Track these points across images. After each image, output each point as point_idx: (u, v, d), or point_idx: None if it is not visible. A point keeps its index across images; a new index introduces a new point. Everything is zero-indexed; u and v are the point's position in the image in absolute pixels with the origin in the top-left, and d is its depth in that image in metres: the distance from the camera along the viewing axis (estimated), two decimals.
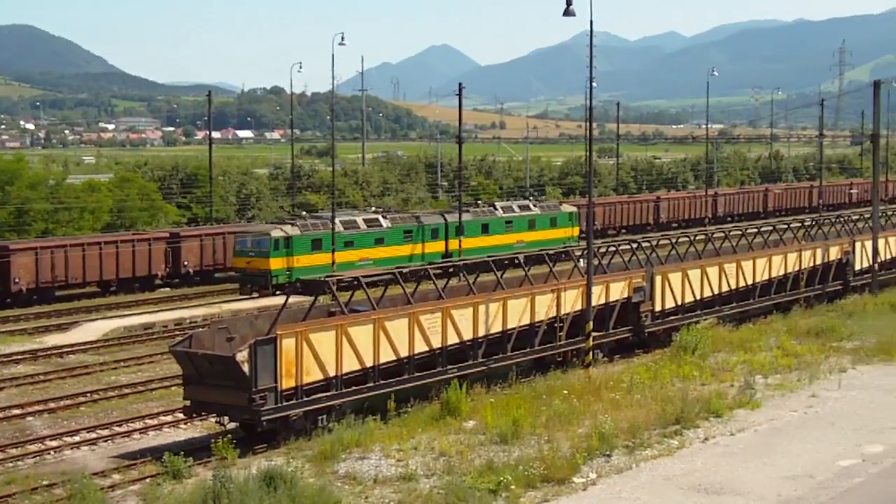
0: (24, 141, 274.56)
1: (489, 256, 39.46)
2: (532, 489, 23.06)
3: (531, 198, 78.87)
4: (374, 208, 70.86)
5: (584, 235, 70.64)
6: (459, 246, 63.44)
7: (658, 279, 39.77)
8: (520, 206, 71.14)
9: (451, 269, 39.25)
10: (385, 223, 61.62)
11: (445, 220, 64.92)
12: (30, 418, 32.68)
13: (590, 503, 22.51)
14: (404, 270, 35.36)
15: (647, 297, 39.20)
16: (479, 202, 74.15)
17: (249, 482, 22.13)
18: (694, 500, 22.66)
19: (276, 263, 55.55)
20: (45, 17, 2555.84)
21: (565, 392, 30.68)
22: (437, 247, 63.81)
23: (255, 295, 51.92)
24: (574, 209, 74.44)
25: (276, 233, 56.54)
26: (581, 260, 38.48)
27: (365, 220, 61.03)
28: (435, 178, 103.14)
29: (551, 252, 41.50)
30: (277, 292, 34.21)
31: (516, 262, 39.16)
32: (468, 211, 66.86)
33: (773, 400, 30.89)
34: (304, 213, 66.01)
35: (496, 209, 69.54)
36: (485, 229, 67.04)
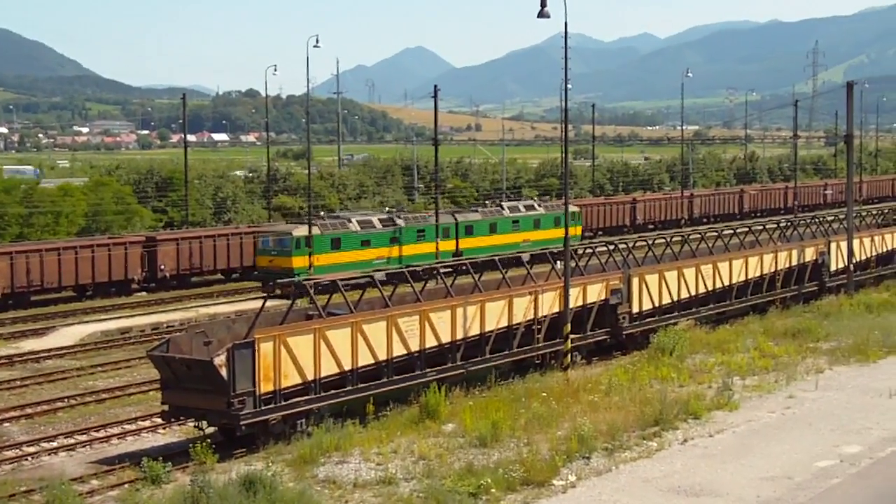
0: None
1: (491, 255, 39.85)
2: (512, 492, 23.09)
3: (535, 198, 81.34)
4: (387, 209, 72.84)
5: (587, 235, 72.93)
6: (457, 246, 65.65)
7: (635, 281, 39.86)
8: (525, 206, 73.08)
9: (461, 267, 40.02)
10: (399, 223, 63.33)
11: (456, 220, 67.16)
12: (6, 424, 32.46)
13: None
14: (418, 269, 36.27)
15: (624, 299, 39.29)
16: (487, 202, 76.04)
17: (229, 487, 22.09)
18: (673, 502, 22.74)
19: (298, 262, 57.22)
20: (19, 20, 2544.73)
21: (544, 394, 30.73)
22: (448, 245, 65.71)
23: (277, 292, 51.87)
24: (577, 209, 76.79)
25: (298, 232, 58.10)
26: (558, 262, 38.55)
27: (380, 220, 62.81)
28: (411, 180, 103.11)
29: (555, 250, 42.58)
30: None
31: (522, 260, 40.10)
32: (477, 211, 69.82)
33: (750, 401, 31.01)
34: (322, 213, 67.62)
35: (503, 209, 71.09)
36: (493, 229, 68.88)
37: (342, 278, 32.88)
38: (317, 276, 40.33)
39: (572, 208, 74.25)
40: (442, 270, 36.06)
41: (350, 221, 61.24)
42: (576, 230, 73.45)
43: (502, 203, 73.14)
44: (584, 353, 38.07)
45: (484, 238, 67.57)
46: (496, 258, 39.47)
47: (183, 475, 25.70)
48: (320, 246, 58.21)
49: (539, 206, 73.90)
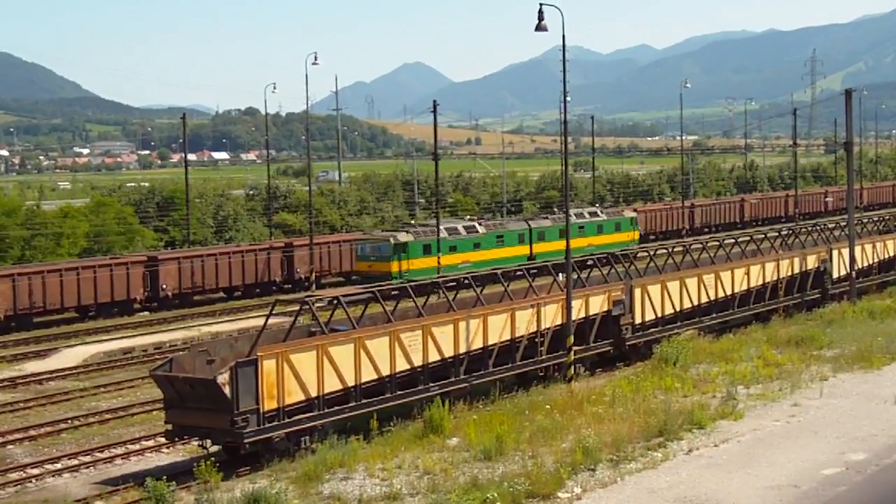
0: None
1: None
2: None
3: (597, 204, 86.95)
4: (468, 217, 76.87)
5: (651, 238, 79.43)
6: (531, 251, 69.82)
7: (637, 292, 39.83)
8: (589, 213, 77.29)
9: (535, 270, 42.87)
10: (481, 230, 68.01)
11: (529, 226, 71.65)
12: (10, 446, 32.43)
13: None
14: (500, 271, 38.32)
15: (626, 310, 39.26)
16: (556, 210, 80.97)
17: None
18: None
19: (396, 266, 61.79)
20: (18, 43, 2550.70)
21: (548, 407, 30.66)
22: (522, 250, 69.77)
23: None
24: (634, 214, 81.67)
25: (395, 239, 62.82)
26: (560, 274, 38.53)
27: (465, 227, 67.69)
28: (412, 195, 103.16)
29: (618, 253, 45.18)
30: (394, 291, 37.33)
31: (589, 263, 42.11)
32: (547, 218, 75.11)
33: (755, 410, 30.92)
34: (412, 221, 72.12)
35: (571, 216, 71.08)
36: (562, 234, 70.13)
37: (344, 294, 32.86)
38: (415, 278, 42.51)
39: (629, 214, 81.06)
40: (517, 273, 37.28)
41: (440, 229, 65.34)
42: (633, 234, 78.76)
43: (569, 211, 74.01)
44: (587, 365, 38.04)
45: (554, 243, 70.77)
46: (498, 271, 39.50)
47: (188, 495, 25.66)
48: (414, 251, 62.89)
49: (601, 212, 78.42)
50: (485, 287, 39.97)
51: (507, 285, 37.41)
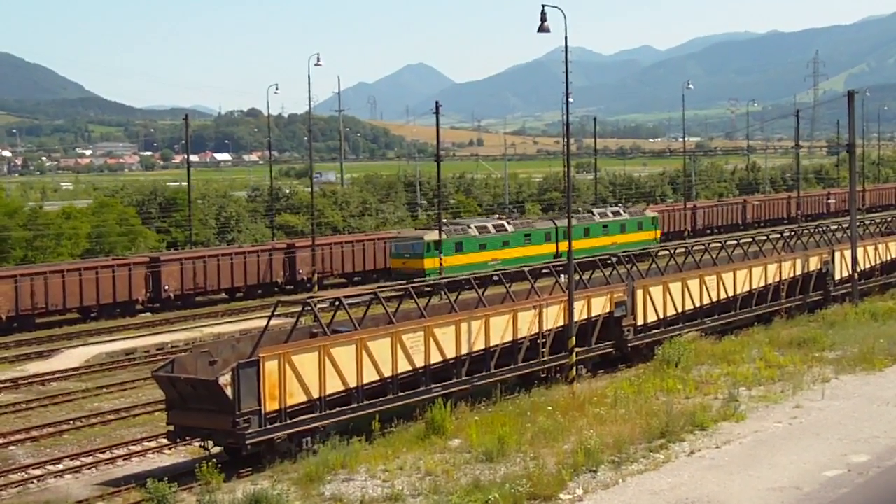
0: (0, 169, 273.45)
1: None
2: None
3: (620, 204, 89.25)
4: (497, 216, 77.85)
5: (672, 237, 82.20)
6: (557, 249, 71.23)
7: (639, 293, 39.82)
8: (612, 212, 79.34)
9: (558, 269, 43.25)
10: (509, 228, 69.90)
11: (556, 225, 73.09)
12: (12, 447, 32.44)
13: None
14: (527, 269, 38.66)
15: (628, 312, 39.24)
16: (580, 209, 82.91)
17: None
18: None
19: (429, 263, 63.37)
20: (21, 44, 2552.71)
21: (550, 408, 30.66)
22: (549, 248, 71.74)
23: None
24: (656, 214, 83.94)
25: (429, 237, 64.56)
26: (562, 275, 38.52)
27: (494, 226, 69.50)
28: (414, 196, 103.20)
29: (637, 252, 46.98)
30: (427, 288, 38.61)
31: (611, 261, 42.78)
32: (574, 216, 72.41)
33: (757, 412, 30.92)
34: (445, 220, 72.66)
35: (594, 215, 77.52)
36: (586, 233, 74.73)
37: (346, 295, 32.87)
38: (447, 275, 43.30)
39: (651, 214, 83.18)
40: (543, 272, 38.06)
41: (469, 227, 68.23)
42: (655, 234, 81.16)
43: (593, 209, 79.87)
44: (589, 367, 38.04)
45: (579, 241, 71.23)
46: (500, 273, 39.51)
47: (189, 496, 25.67)
48: (447, 249, 64.65)
49: (624, 212, 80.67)
50: (487, 288, 39.93)
51: (509, 286, 37.42)
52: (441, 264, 63.11)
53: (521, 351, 35.00)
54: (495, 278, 38.74)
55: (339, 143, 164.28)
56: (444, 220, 71.32)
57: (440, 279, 37.57)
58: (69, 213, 73.47)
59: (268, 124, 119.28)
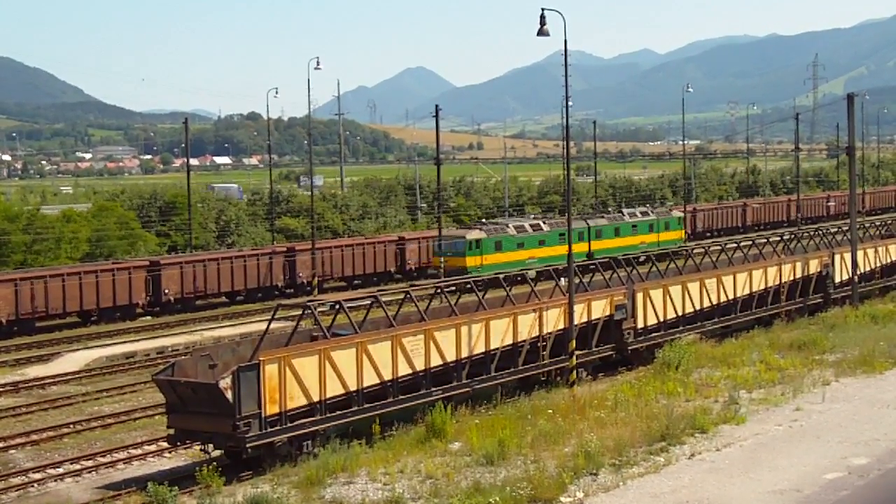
0: (0, 172, 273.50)
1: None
2: None
3: (647, 204, 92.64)
4: (532, 216, 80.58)
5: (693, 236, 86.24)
6: (589, 248, 73.78)
7: (640, 296, 39.82)
8: (641, 213, 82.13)
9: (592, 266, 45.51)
10: (545, 228, 72.17)
11: (588, 225, 75.90)
12: (12, 451, 32.43)
13: None
14: (560, 268, 39.37)
15: (629, 315, 39.23)
16: (610, 209, 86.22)
17: None
18: None
19: (470, 261, 66.23)
20: (21, 48, 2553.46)
21: (550, 411, 30.66)
22: (582, 247, 73.22)
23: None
24: (681, 214, 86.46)
25: (470, 236, 67.64)
26: (563, 279, 38.52)
27: (531, 226, 71.97)
28: (414, 199, 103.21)
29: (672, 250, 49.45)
30: (468, 285, 39.44)
31: (642, 259, 44.95)
32: (603, 217, 79.63)
33: (757, 414, 30.92)
34: (483, 220, 77.93)
35: (624, 215, 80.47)
36: (617, 232, 77.55)
37: (346, 298, 32.87)
38: (485, 273, 44.53)
39: (677, 214, 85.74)
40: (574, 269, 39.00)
41: (508, 227, 70.61)
42: (681, 233, 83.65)
43: (622, 210, 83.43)
44: (589, 370, 38.03)
45: (610, 241, 75.66)
46: (500, 276, 39.50)
47: (189, 499, 25.66)
48: (487, 248, 67.51)
49: (651, 212, 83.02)
50: (487, 291, 39.94)
51: (510, 289, 37.41)
52: (476, 262, 66.18)
53: (521, 354, 34.99)
54: (531, 275, 39.46)
55: (339, 147, 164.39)
56: (484, 220, 75.56)
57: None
58: (69, 217, 73.46)
59: (267, 128, 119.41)
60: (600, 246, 74.15)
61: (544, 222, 73.42)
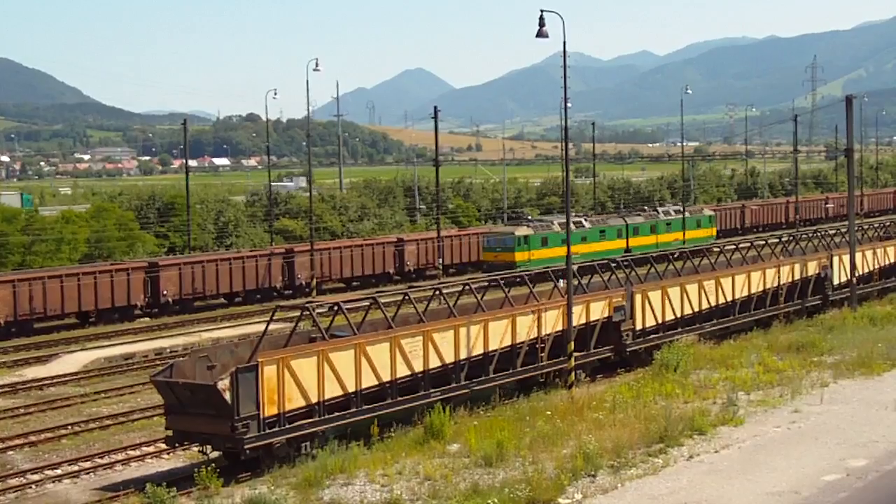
0: None
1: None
2: None
3: (678, 203, 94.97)
4: (575, 213, 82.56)
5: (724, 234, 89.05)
6: (627, 244, 77.07)
7: (638, 298, 39.81)
8: (675, 211, 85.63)
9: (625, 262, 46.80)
10: (587, 225, 75.85)
11: (626, 222, 79.28)
12: (10, 452, 32.41)
13: None
14: (502, 279, 39.26)
15: (627, 316, 39.23)
16: (646, 208, 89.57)
17: None
18: None
19: (519, 256, 69.34)
20: (19, 49, 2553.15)
21: (549, 413, 30.67)
22: (620, 243, 76.92)
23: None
24: (713, 213, 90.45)
25: (519, 232, 70.81)
26: (561, 280, 38.52)
27: (574, 223, 71.96)
28: (413, 201, 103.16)
29: (708, 247, 51.87)
30: (517, 279, 40.46)
31: (684, 254, 47.04)
32: (640, 215, 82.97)
33: (755, 416, 30.94)
34: (528, 217, 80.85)
35: (659, 213, 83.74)
36: (653, 229, 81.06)
37: (345, 300, 32.86)
38: (533, 268, 47.22)
39: (709, 212, 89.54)
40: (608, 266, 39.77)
41: (553, 224, 73.55)
42: (712, 231, 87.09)
43: (657, 208, 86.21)
44: (588, 371, 38.03)
45: (646, 237, 79.26)
46: (500, 278, 39.49)
47: (188, 500, 25.65)
48: (534, 243, 70.81)
49: (684, 210, 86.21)
50: (486, 293, 39.93)
51: (509, 291, 37.41)
52: (524, 257, 69.20)
53: (519, 355, 35.00)
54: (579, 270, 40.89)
55: (338, 148, 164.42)
56: (530, 217, 79.54)
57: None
58: (68, 218, 73.42)
59: (266, 129, 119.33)
60: (637, 243, 77.60)
61: (585, 219, 77.17)
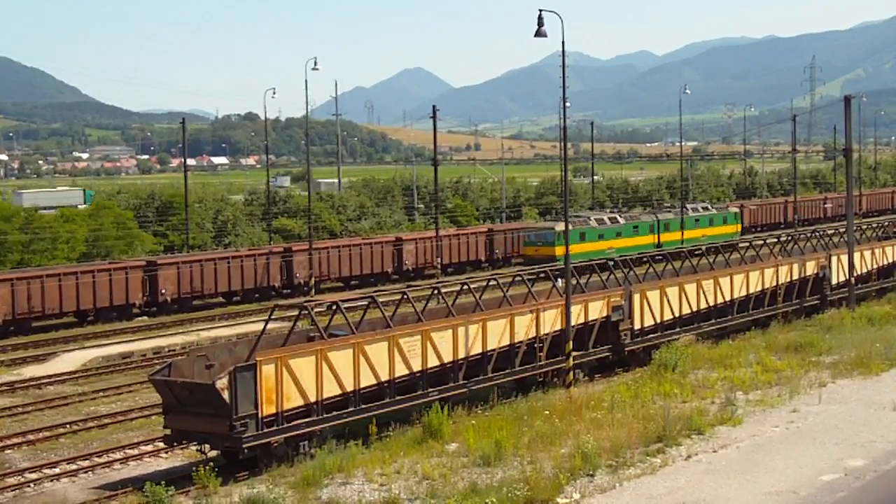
0: None
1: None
2: None
3: (706, 201, 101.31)
4: (608, 210, 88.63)
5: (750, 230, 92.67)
6: (658, 239, 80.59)
7: (636, 297, 39.80)
8: (703, 208, 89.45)
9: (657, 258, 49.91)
10: (621, 221, 79.45)
11: (657, 218, 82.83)
12: (8, 451, 32.39)
13: None
14: (501, 280, 38.98)
15: (626, 316, 39.22)
16: (675, 205, 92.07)
17: None
18: None
19: (559, 250, 70.67)
20: (18, 47, 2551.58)
21: (547, 412, 30.67)
22: (652, 238, 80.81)
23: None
24: (737, 210, 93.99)
25: (559, 227, 72.52)
26: (559, 280, 38.51)
27: (609, 219, 79.32)
28: (411, 200, 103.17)
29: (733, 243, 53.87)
30: (556, 272, 41.19)
31: (704, 251, 48.35)
32: (670, 211, 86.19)
33: (754, 416, 30.94)
34: (610, 208, 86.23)
35: (688, 210, 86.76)
36: (682, 225, 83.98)
37: (343, 299, 32.85)
38: (576, 261, 47.37)
39: (734, 209, 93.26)
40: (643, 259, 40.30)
41: (590, 220, 77.71)
42: (737, 227, 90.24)
43: (687, 205, 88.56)
44: (586, 371, 38.00)
45: (676, 233, 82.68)
46: (497, 277, 39.47)
47: (186, 499, 25.65)
48: (573, 238, 71.09)
49: (711, 207, 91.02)
50: (483, 293, 39.94)
51: (507, 290, 37.41)
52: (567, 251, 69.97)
53: (518, 355, 34.98)
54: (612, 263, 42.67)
55: (337, 148, 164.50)
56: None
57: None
58: (66, 217, 73.37)
59: (265, 128, 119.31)
60: (668, 238, 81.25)
61: (620, 215, 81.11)
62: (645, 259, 46.31)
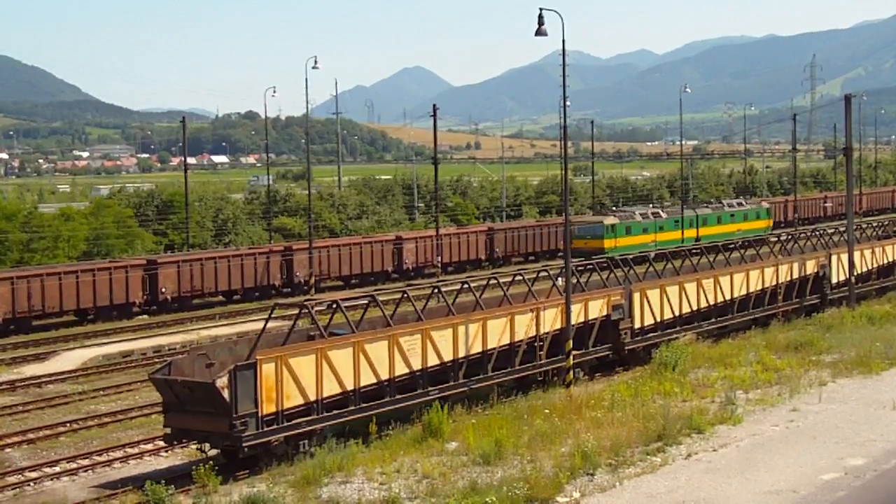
0: None
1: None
2: None
3: (740, 196, 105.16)
4: (651, 205, 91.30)
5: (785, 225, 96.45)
6: (697, 233, 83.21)
7: (636, 296, 39.80)
8: (737, 203, 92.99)
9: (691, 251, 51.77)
10: (664, 215, 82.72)
11: (696, 213, 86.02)
12: (8, 450, 32.39)
13: None
14: (501, 279, 39.20)
15: (626, 315, 39.23)
16: (712, 200, 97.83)
17: None
18: None
19: (607, 243, 75.38)
20: (18, 46, 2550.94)
21: (547, 411, 30.66)
22: (692, 233, 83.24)
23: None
24: (769, 205, 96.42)
25: (607, 221, 77.59)
26: (559, 279, 38.52)
27: (652, 213, 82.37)
28: (412, 199, 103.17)
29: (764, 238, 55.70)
30: (604, 264, 43.65)
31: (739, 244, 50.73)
32: (708, 206, 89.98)
33: (754, 415, 30.93)
34: (613, 207, 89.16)
35: (723, 205, 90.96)
36: (718, 220, 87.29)
37: (343, 298, 32.85)
38: (623, 253, 49.64)
39: (766, 205, 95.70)
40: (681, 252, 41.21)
41: (635, 214, 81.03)
42: (768, 222, 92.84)
43: (722, 200, 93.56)
44: (586, 370, 38.02)
45: (713, 228, 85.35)
46: (497, 276, 39.48)
47: (186, 498, 25.62)
48: (620, 232, 77.35)
49: (744, 203, 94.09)
50: (484, 291, 39.96)
51: (507, 289, 37.41)
52: (612, 244, 75.14)
53: (518, 354, 34.98)
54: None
55: (337, 146, 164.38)
56: (614, 207, 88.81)
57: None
58: (66, 216, 73.37)
59: (265, 127, 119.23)
60: (706, 232, 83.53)
61: (662, 210, 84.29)
62: (645, 258, 46.30)
